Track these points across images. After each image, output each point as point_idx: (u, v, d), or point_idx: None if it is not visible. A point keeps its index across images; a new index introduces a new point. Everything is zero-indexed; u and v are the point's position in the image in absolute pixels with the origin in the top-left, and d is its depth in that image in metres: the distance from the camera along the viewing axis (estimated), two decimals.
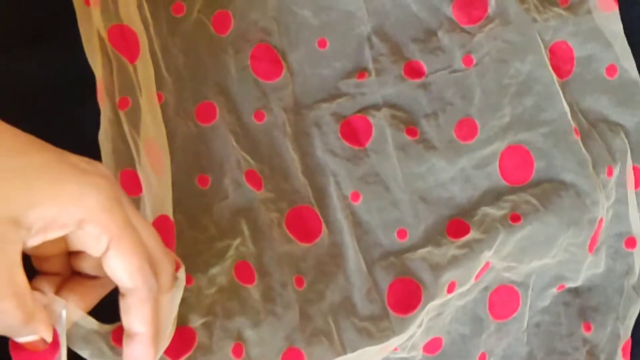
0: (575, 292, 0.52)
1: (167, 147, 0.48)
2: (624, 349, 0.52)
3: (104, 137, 0.46)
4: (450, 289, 0.48)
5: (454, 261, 0.48)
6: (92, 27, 0.48)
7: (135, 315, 0.38)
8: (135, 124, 0.47)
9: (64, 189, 0.34)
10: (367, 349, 0.47)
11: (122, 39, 0.48)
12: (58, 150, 0.36)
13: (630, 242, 0.52)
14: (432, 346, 0.51)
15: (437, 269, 0.48)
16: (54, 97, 0.50)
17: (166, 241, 0.43)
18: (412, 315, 0.47)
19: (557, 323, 0.52)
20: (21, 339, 0.36)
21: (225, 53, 0.51)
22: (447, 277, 0.47)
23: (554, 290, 0.52)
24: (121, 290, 0.37)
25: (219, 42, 0.51)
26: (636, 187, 0.53)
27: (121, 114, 0.47)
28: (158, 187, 0.46)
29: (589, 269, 0.52)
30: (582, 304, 0.52)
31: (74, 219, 0.34)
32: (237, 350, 0.46)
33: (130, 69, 0.47)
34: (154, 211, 0.45)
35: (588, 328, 0.52)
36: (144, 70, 0.48)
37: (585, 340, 0.52)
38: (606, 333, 0.52)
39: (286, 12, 0.51)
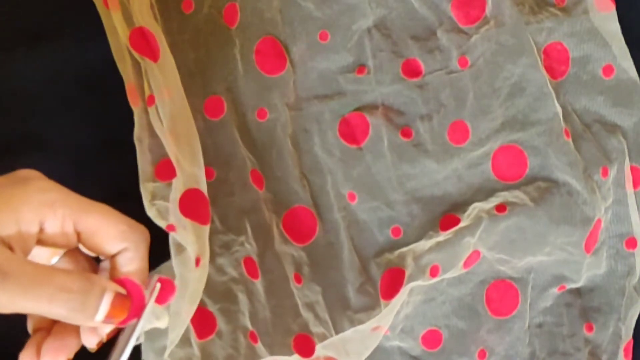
0: (577, 292, 0.52)
1: (197, 133, 0.49)
2: (625, 350, 0.52)
3: (141, 135, 0.48)
4: (434, 273, 0.49)
5: (435, 246, 0.49)
6: (116, 31, 0.49)
7: (132, 260, 0.38)
8: (162, 117, 0.48)
9: (11, 206, 0.35)
10: (358, 327, 0.48)
11: (143, 41, 0.49)
12: None
13: (631, 243, 0.52)
14: (431, 340, 0.51)
15: (419, 254, 0.49)
16: (54, 97, 0.50)
17: (200, 211, 0.46)
18: (396, 299, 0.49)
19: (559, 324, 0.52)
20: (103, 307, 0.36)
21: (233, 46, 0.52)
22: (427, 259, 0.49)
23: (555, 291, 0.52)
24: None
25: (228, 36, 0.52)
26: (635, 187, 0.52)
27: (150, 110, 0.48)
28: (189, 167, 0.47)
29: (589, 269, 0.52)
30: (584, 304, 0.52)
31: (34, 225, 0.35)
32: (253, 337, 0.49)
33: (155, 67, 0.48)
34: (185, 185, 0.46)
35: (590, 328, 0.52)
36: (167, 65, 0.49)
37: (587, 340, 0.52)
38: (608, 333, 0.52)
39: (290, 4, 0.52)
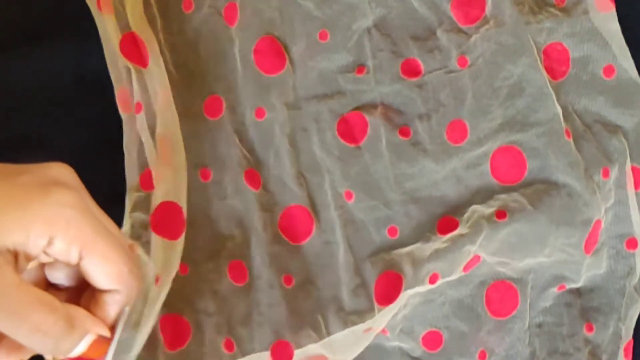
0: (577, 292, 0.52)
1: (182, 143, 0.49)
2: (625, 350, 0.52)
3: (129, 143, 0.48)
4: (433, 280, 0.49)
5: (434, 254, 0.49)
6: (109, 36, 0.49)
7: (105, 312, 0.37)
8: (150, 124, 0.48)
9: (26, 213, 0.34)
10: (353, 328, 0.48)
11: (134, 46, 0.49)
12: (9, 173, 0.35)
13: (632, 243, 0.52)
14: (432, 341, 0.51)
15: (418, 261, 0.49)
16: (53, 97, 0.50)
17: (171, 226, 0.46)
18: (392, 305, 0.48)
19: (559, 324, 0.52)
20: (79, 348, 0.35)
21: (233, 46, 0.52)
22: (427, 269, 0.48)
23: (555, 290, 0.52)
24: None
25: (228, 35, 0.52)
26: (636, 187, 0.52)
27: (138, 117, 0.48)
28: (171, 178, 0.47)
29: (589, 269, 0.52)
30: (584, 304, 0.52)
31: (43, 238, 0.34)
32: (229, 345, 0.48)
33: (144, 74, 0.49)
34: (163, 197, 0.46)
35: (590, 329, 0.52)
36: (156, 72, 0.49)
37: (587, 340, 0.52)
38: (608, 333, 0.52)
39: (290, 4, 0.52)
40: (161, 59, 0.50)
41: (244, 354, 0.48)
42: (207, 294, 0.49)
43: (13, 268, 0.34)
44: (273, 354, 0.48)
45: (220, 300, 0.49)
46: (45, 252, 0.35)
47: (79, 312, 0.36)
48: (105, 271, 0.36)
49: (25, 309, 0.33)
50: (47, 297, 0.34)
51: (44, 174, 0.36)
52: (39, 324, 0.33)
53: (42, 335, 0.33)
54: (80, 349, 0.36)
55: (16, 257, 0.34)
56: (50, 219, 0.34)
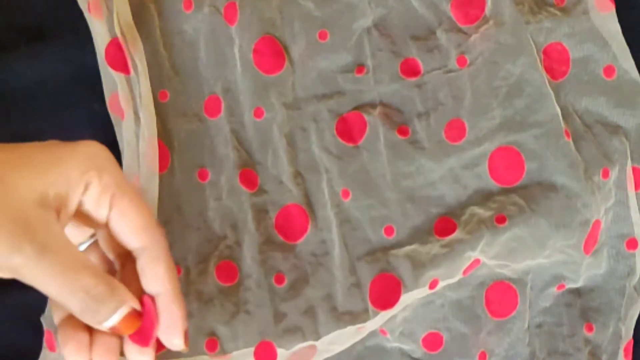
0: (577, 292, 0.52)
1: (157, 154, 0.49)
2: (625, 350, 0.52)
3: (127, 150, 0.49)
4: (433, 286, 0.48)
5: (435, 260, 0.48)
6: (100, 40, 0.50)
7: (150, 277, 0.38)
8: (135, 131, 0.49)
9: (63, 164, 0.35)
10: (343, 330, 0.48)
11: (119, 53, 0.49)
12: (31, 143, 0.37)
13: (632, 244, 0.52)
14: (432, 342, 0.51)
15: (418, 267, 0.48)
16: (54, 97, 0.51)
17: None
18: (390, 311, 0.48)
19: (559, 324, 0.52)
20: (114, 318, 0.36)
21: (233, 45, 0.52)
22: (428, 276, 0.48)
23: (554, 290, 0.52)
24: (134, 253, 0.38)
25: (228, 34, 0.52)
26: (637, 188, 0.52)
27: (123, 124, 0.49)
28: (148, 186, 0.48)
29: (589, 269, 0.52)
30: (583, 304, 0.52)
31: (80, 186, 0.35)
32: (211, 345, 0.48)
33: (131, 80, 0.49)
34: None
35: (590, 329, 0.52)
36: (143, 79, 0.50)
37: (587, 340, 0.52)
38: (608, 334, 0.52)
39: (290, 3, 0.52)
40: (146, 68, 0.50)
41: (226, 354, 0.48)
42: (191, 295, 0.49)
43: (62, 226, 0.35)
44: (256, 354, 0.47)
45: (204, 301, 0.49)
46: (80, 207, 0.36)
47: (117, 282, 0.37)
48: (134, 222, 0.37)
49: (76, 267, 0.34)
50: (91, 263, 0.36)
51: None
52: (86, 283, 0.34)
53: (85, 294, 0.34)
54: (115, 319, 0.36)
55: (58, 214, 0.35)
56: (84, 168, 0.36)
